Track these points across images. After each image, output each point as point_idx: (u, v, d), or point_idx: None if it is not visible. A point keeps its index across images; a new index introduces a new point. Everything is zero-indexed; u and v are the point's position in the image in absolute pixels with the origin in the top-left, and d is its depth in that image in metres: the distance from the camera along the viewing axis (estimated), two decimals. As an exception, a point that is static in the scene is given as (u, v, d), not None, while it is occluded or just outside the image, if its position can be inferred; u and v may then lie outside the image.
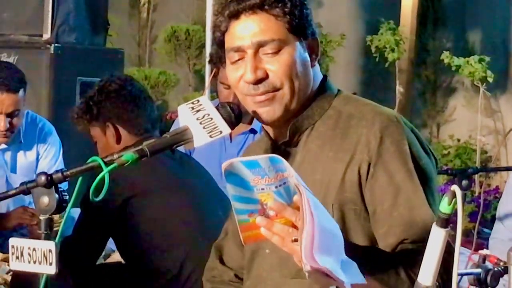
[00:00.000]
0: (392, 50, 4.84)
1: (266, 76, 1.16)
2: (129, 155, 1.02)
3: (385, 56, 4.97)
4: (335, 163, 1.17)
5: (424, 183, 1.15)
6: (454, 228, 0.84)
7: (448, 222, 0.85)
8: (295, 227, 0.93)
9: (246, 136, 2.67)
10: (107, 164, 1.00)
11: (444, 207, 0.84)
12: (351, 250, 1.01)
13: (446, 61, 4.55)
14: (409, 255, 1.09)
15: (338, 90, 1.29)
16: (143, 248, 1.99)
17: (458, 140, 5.27)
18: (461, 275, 1.39)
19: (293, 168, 0.98)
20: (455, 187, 0.82)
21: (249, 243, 1.07)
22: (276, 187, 0.97)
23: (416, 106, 5.62)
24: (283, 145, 1.23)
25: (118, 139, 2.05)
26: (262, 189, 0.98)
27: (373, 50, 5.07)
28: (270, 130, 1.24)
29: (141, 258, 1.99)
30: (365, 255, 1.08)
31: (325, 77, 1.29)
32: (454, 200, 0.83)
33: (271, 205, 0.95)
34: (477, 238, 2.52)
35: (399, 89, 4.91)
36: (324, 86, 1.27)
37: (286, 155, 1.18)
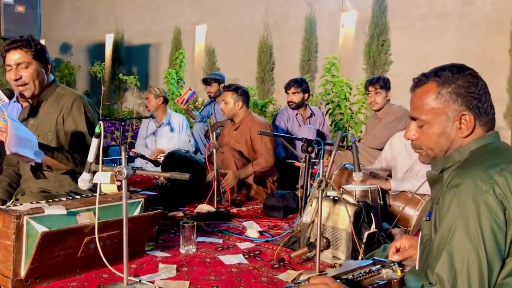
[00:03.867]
0: (99, 72, 9.20)
1: (21, 77, 2.46)
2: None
3: (97, 74, 9.27)
4: (54, 113, 2.53)
5: (88, 124, 2.54)
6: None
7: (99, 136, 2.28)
8: None
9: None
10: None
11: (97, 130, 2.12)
12: (41, 146, 2.29)
13: (121, 77, 8.89)
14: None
15: (59, 84, 2.64)
16: None
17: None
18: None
19: (39, 115, 2.46)
20: (101, 123, 2.23)
21: None
22: (2, 118, 2.07)
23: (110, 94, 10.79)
24: (35, 105, 2.59)
25: None
26: None
27: (92, 73, 9.29)
28: (30, 100, 2.62)
29: None
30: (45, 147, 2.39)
31: (54, 79, 2.63)
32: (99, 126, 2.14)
33: (1, 125, 2.06)
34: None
35: (103, 88, 9.68)
36: (54, 82, 2.62)
37: (35, 110, 2.59)
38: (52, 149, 2.50)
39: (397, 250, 1.83)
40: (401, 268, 1.76)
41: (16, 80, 2.50)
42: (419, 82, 1.51)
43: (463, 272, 1.27)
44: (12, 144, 2.15)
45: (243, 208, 3.71)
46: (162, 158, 4.73)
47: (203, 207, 3.48)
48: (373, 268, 1.74)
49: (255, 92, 7.74)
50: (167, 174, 2.01)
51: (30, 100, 2.66)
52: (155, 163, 4.31)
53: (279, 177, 4.15)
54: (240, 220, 3.30)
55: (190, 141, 5.21)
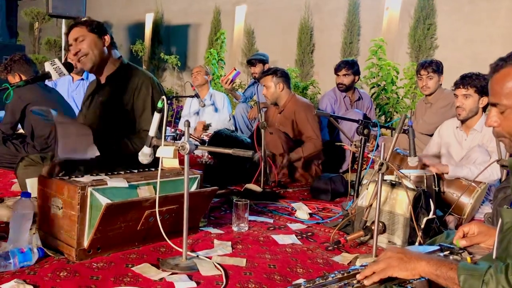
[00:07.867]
0: (141, 51, 9.44)
1: (79, 50, 2.59)
2: (21, 82, 2.58)
3: (138, 53, 9.92)
4: (123, 94, 2.60)
5: (153, 107, 2.61)
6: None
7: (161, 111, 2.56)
8: None
9: (80, 81, 4.75)
10: (12, 86, 2.56)
11: (159, 104, 2.53)
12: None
13: (162, 56, 9.34)
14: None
15: (126, 62, 2.76)
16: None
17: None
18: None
19: (107, 94, 2.57)
20: (164, 98, 2.35)
21: None
22: None
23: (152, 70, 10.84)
24: (103, 84, 2.69)
25: (20, 78, 3.65)
26: None
27: (133, 51, 9.63)
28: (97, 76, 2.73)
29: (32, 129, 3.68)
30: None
31: (120, 56, 2.75)
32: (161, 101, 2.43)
33: None
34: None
35: (144, 67, 9.76)
36: (120, 59, 2.72)
37: (103, 88, 2.65)
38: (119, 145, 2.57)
39: (464, 236, 1.77)
40: (471, 256, 1.70)
41: (76, 54, 2.57)
42: (497, 66, 1.41)
43: None
44: None
45: (289, 190, 3.68)
46: (205, 137, 4.75)
47: (250, 187, 3.47)
48: (441, 254, 1.69)
49: (297, 74, 7.65)
50: (230, 151, 1.99)
51: (96, 76, 2.75)
52: (201, 142, 4.31)
53: (323, 159, 4.09)
54: (288, 201, 3.27)
55: (230, 119, 5.20)
